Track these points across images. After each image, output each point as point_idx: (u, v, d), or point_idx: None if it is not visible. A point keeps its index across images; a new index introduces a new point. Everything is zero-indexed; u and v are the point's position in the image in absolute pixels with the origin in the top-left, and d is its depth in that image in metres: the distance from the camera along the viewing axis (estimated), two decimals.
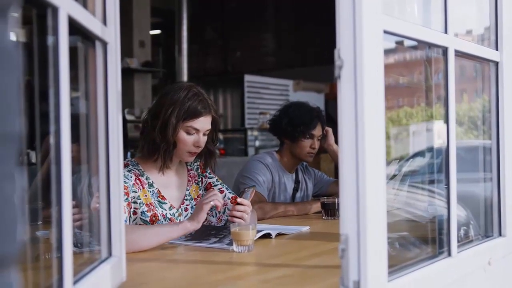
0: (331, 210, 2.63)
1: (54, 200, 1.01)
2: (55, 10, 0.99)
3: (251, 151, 7.44)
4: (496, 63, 1.80)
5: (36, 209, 1.48)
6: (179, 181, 2.33)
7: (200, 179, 2.41)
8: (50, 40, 1.01)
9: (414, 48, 1.71)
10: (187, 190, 2.34)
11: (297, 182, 3.14)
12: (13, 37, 0.60)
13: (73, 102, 1.09)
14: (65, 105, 1.01)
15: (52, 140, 1.00)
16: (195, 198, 2.35)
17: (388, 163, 1.29)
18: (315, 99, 7.07)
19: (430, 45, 1.55)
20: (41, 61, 1.04)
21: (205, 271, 1.65)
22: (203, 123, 2.20)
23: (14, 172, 0.59)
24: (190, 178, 2.38)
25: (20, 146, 0.60)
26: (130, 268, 1.46)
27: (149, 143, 2.20)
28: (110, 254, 1.36)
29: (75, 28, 1.10)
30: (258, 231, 2.02)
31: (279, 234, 2.17)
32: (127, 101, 7.10)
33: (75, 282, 1.08)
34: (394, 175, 2.18)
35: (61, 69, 1.00)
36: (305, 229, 2.34)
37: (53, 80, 1.00)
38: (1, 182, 0.56)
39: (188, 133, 2.18)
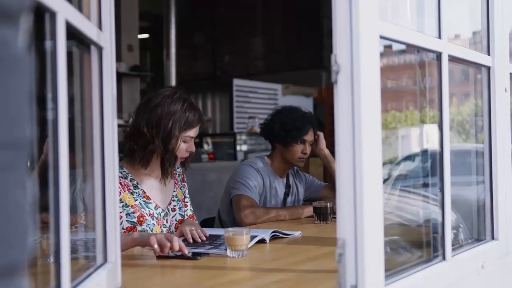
0: (323, 215, 2.63)
1: (52, 206, 1.00)
2: (53, 15, 0.99)
3: (240, 155, 7.43)
4: (488, 68, 1.82)
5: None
6: (165, 185, 2.38)
7: (182, 185, 2.51)
8: (47, 44, 1.01)
9: (402, 52, 1.72)
10: (174, 191, 2.42)
11: (288, 186, 3.14)
12: (24, 43, 0.60)
13: (68, 107, 1.08)
14: (63, 110, 1.01)
15: (50, 145, 1.00)
16: (181, 200, 2.44)
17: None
18: (304, 103, 7.08)
19: (425, 50, 1.56)
20: (37, 65, 1.03)
21: (200, 276, 1.64)
22: (197, 130, 2.33)
23: (25, 179, 0.58)
24: (176, 181, 2.46)
25: (29, 153, 0.60)
26: (125, 274, 1.46)
27: (149, 153, 2.25)
28: (105, 260, 1.36)
29: (70, 32, 1.10)
30: (252, 237, 2.02)
31: (273, 238, 2.17)
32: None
33: None
34: (385, 179, 2.19)
35: (59, 73, 1.00)
36: (298, 233, 2.34)
37: (51, 84, 0.99)
38: (13, 188, 0.56)
39: (185, 141, 2.29)
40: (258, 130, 3.30)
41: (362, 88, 1.15)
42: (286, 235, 2.25)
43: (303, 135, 2.99)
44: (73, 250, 1.37)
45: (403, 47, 1.55)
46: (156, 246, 1.80)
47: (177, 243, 1.82)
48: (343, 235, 1.16)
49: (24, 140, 0.58)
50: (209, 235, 2.18)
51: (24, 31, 0.60)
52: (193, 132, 2.30)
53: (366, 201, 1.15)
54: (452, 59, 1.59)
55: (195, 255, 1.85)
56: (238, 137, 7.57)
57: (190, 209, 2.51)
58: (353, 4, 1.15)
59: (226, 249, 1.87)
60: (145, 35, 10.08)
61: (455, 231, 1.79)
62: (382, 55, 1.50)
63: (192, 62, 10.25)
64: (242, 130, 7.87)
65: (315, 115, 3.24)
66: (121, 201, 2.18)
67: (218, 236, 2.17)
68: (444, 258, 1.51)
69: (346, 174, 1.16)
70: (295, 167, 3.18)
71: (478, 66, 1.83)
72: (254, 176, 2.94)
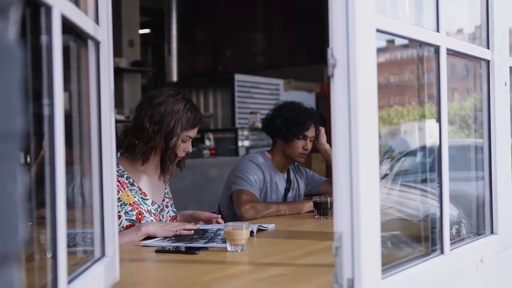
0: (323, 209, 2.64)
1: (48, 200, 1.00)
2: (48, 9, 0.98)
3: (241, 151, 7.43)
4: (487, 62, 1.81)
5: (28, 209, 1.48)
6: (158, 180, 2.41)
7: (168, 184, 2.54)
8: (43, 39, 1.01)
9: (405, 47, 1.72)
10: (166, 189, 2.47)
11: (288, 181, 3.14)
12: (14, 35, 0.60)
13: (64, 102, 1.08)
14: (59, 105, 1.01)
15: (46, 141, 1.00)
16: (171, 198, 2.49)
17: (380, 162, 1.29)
18: (306, 99, 7.09)
19: (422, 44, 1.56)
20: (33, 60, 1.03)
21: (199, 270, 1.65)
22: (196, 131, 2.37)
23: (16, 170, 0.59)
24: (166, 180, 2.50)
25: (20, 145, 0.61)
26: (123, 268, 1.46)
27: (150, 149, 2.28)
28: (103, 254, 1.36)
29: (67, 27, 1.10)
30: None
31: (259, 230, 2.23)
32: (116, 101, 7.03)
33: (69, 282, 1.08)
34: (386, 174, 2.19)
35: (54, 68, 1.00)
36: (271, 226, 2.37)
37: (47, 79, 0.99)
38: (3, 179, 0.57)
39: (183, 141, 2.32)
40: (259, 125, 3.30)
41: (358, 82, 1.15)
42: (265, 228, 2.30)
43: (304, 131, 2.98)
44: (73, 244, 1.38)
45: (406, 41, 1.55)
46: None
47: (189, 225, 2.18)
48: (339, 228, 1.17)
49: (15, 131, 0.59)
50: (198, 229, 2.21)
51: (14, 24, 0.61)
52: (192, 133, 2.34)
53: (363, 194, 1.15)
54: (451, 53, 1.59)
55: (194, 249, 1.85)
56: (239, 132, 7.57)
57: (173, 210, 2.51)
58: None
59: (222, 242, 1.88)
60: (146, 30, 10.08)
61: (457, 226, 1.79)
62: (384, 49, 1.50)
63: (193, 58, 10.26)
64: (244, 125, 7.87)
65: (317, 111, 3.23)
66: (119, 199, 2.20)
67: (205, 230, 2.19)
68: (442, 252, 1.51)
69: (342, 167, 1.16)
70: (296, 162, 3.19)
71: (477, 60, 1.83)
72: (255, 171, 2.94)
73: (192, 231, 2.14)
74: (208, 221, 2.41)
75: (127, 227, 2.20)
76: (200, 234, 2.13)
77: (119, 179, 2.25)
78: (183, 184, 4.99)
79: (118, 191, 2.21)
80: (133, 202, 2.25)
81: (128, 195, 2.25)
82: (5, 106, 0.56)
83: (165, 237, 2.08)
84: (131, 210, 2.22)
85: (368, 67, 1.19)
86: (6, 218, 0.57)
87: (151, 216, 2.28)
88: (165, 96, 2.29)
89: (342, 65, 1.16)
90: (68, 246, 1.11)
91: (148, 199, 2.32)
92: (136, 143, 2.26)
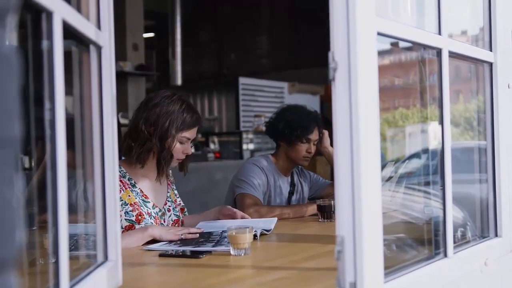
0: (327, 213, 2.63)
1: (50, 205, 1.00)
2: (49, 14, 0.99)
3: (246, 154, 7.43)
4: (490, 64, 1.81)
5: (31, 214, 1.48)
6: (159, 184, 2.41)
7: (173, 187, 2.54)
8: (44, 44, 1.01)
9: (409, 49, 1.72)
10: (168, 192, 2.46)
11: (292, 185, 3.14)
12: (11, 42, 0.60)
13: (67, 107, 1.08)
14: (60, 110, 1.01)
15: (47, 145, 1.00)
16: (174, 201, 2.48)
17: (384, 164, 1.29)
18: (310, 101, 7.09)
19: (424, 47, 1.55)
20: (35, 65, 1.03)
21: (202, 274, 1.65)
22: (195, 132, 2.36)
23: (13, 176, 0.59)
24: (169, 183, 2.50)
25: (19, 151, 0.61)
26: (126, 272, 1.46)
27: (146, 151, 2.28)
28: (106, 258, 1.36)
29: (69, 32, 1.10)
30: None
31: (262, 234, 2.22)
32: (121, 105, 7.09)
33: (71, 287, 1.08)
34: (390, 177, 2.18)
35: (56, 73, 1.00)
36: (274, 221, 2.39)
37: (48, 84, 1.00)
38: (0, 186, 0.57)
39: (181, 142, 2.31)
40: (264, 128, 3.30)
41: (359, 86, 1.15)
42: (268, 231, 2.29)
43: (308, 134, 2.98)
44: (75, 247, 1.38)
45: (410, 44, 1.55)
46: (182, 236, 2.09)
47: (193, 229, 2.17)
48: (341, 232, 1.16)
49: (12, 138, 0.59)
50: (201, 234, 2.19)
51: (12, 30, 0.61)
52: (189, 134, 2.32)
53: (365, 198, 1.15)
54: (453, 55, 1.58)
55: (197, 253, 1.85)
56: (244, 135, 7.56)
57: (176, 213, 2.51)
58: (350, 0, 1.14)
59: (227, 245, 1.88)
60: (151, 34, 10.09)
61: (462, 229, 1.78)
62: (389, 52, 1.50)
63: (198, 61, 10.26)
64: (248, 128, 7.86)
65: (321, 114, 3.23)
66: (120, 199, 2.20)
67: (210, 233, 2.18)
68: (445, 255, 1.51)
69: (344, 171, 1.16)
70: (300, 166, 3.18)
71: (480, 62, 1.82)
72: (258, 175, 2.94)
73: (197, 235, 2.14)
74: (233, 216, 2.44)
75: (126, 228, 2.20)
76: (206, 237, 2.13)
77: (121, 179, 2.25)
78: (188, 188, 4.99)
79: (120, 190, 2.21)
80: (134, 203, 2.25)
81: (129, 195, 2.26)
82: (2, 113, 0.57)
83: (170, 241, 2.08)
84: (131, 211, 2.23)
85: (369, 70, 1.19)
86: (3, 224, 0.57)
87: (151, 218, 2.28)
88: (161, 97, 2.30)
89: (343, 69, 1.16)
90: (70, 249, 1.11)
91: (149, 202, 2.32)
92: (132, 145, 2.27)
